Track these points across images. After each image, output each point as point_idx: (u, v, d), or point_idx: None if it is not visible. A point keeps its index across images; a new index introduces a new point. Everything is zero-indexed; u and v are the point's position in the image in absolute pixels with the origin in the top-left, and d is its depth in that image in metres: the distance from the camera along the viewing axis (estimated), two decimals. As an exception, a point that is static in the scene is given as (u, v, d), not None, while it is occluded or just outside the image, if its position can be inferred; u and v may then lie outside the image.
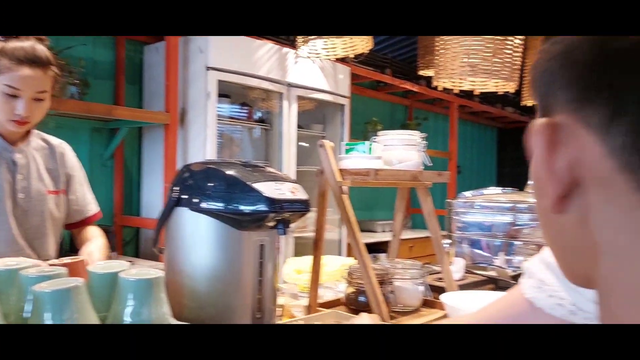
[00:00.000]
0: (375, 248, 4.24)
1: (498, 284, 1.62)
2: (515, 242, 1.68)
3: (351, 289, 1.25)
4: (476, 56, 2.89)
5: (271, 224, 0.95)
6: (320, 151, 1.22)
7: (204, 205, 0.96)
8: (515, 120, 6.07)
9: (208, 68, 2.83)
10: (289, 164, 3.27)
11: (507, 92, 4.76)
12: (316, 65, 3.41)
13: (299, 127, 3.47)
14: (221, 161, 1.05)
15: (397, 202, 1.46)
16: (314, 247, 1.24)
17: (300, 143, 3.49)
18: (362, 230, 4.49)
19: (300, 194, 0.95)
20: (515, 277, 1.87)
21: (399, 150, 1.29)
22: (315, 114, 3.74)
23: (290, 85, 3.27)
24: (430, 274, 1.56)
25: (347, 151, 1.26)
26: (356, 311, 1.24)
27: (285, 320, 1.15)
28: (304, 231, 3.47)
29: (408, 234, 4.32)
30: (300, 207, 0.93)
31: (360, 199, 4.66)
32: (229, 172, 0.96)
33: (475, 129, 6.29)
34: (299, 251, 3.33)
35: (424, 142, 1.31)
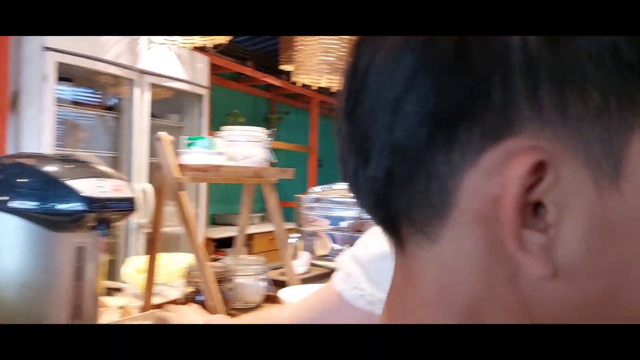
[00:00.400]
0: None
1: (341, 275, 1.71)
2: (358, 235, 1.78)
3: (190, 288, 1.21)
4: (333, 55, 2.99)
5: (92, 224, 0.87)
6: (157, 145, 1.16)
7: (13, 204, 0.85)
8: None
9: (45, 48, 2.55)
10: (140, 155, 3.09)
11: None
12: (172, 53, 3.26)
13: (154, 116, 3.29)
14: (38, 155, 0.95)
15: (243, 197, 1.45)
16: (149, 245, 1.18)
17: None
18: (223, 224, 4.43)
19: (125, 191, 0.89)
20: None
21: (243, 147, 1.28)
22: (172, 104, 3.58)
23: (142, 72, 3.08)
24: (275, 269, 1.57)
25: (188, 146, 1.21)
26: (196, 311, 1.20)
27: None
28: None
29: (270, 227, 4.35)
30: (123, 206, 0.87)
31: (221, 192, 4.58)
32: (44, 167, 0.86)
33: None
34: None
35: (269, 138, 1.31)
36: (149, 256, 1.19)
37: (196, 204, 3.53)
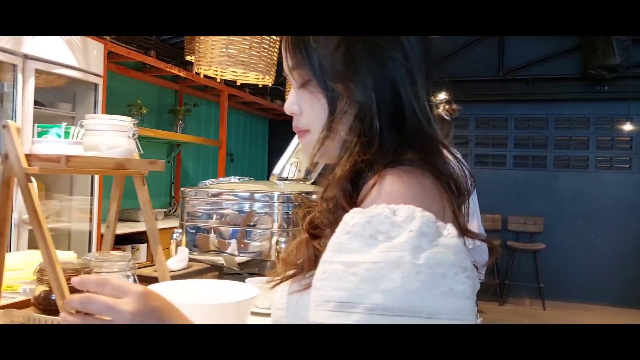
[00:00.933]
0: (137, 238, 4.04)
1: (223, 270, 1.67)
2: (250, 230, 1.75)
3: (42, 288, 1.13)
4: (235, 48, 2.93)
5: None
6: (4, 133, 1.06)
7: None
8: (283, 112, 6.42)
9: None
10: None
11: (276, 86, 5.01)
12: (59, 38, 3.04)
13: (41, 105, 3.07)
14: None
15: (112, 191, 1.38)
16: (-6, 242, 1.08)
17: (42, 123, 3.08)
18: (124, 220, 4.23)
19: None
20: (243, 264, 1.96)
21: (107, 136, 1.21)
22: (64, 92, 3.36)
23: (27, 57, 2.85)
24: (150, 266, 1.51)
25: (40, 134, 1.12)
26: (49, 311, 1.12)
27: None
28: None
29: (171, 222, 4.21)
30: None
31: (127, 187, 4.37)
32: None
33: (247, 118, 6.47)
34: (35, 245, 2.94)
35: (135, 128, 1.25)
36: (-7, 254, 1.09)
37: (90, 199, 3.34)
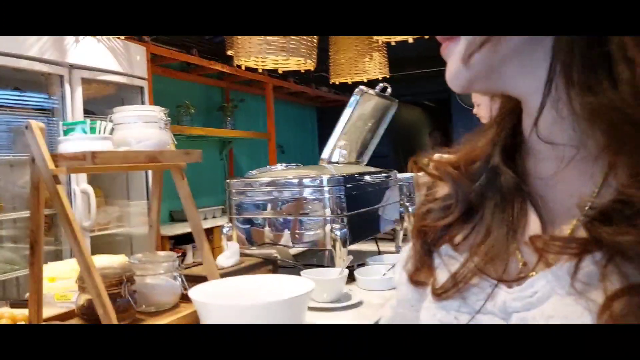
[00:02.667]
0: (197, 238, 4.05)
1: (277, 264, 1.57)
2: (302, 218, 1.63)
3: (85, 297, 1.06)
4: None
5: None
6: (27, 134, 1.00)
7: None
8: (331, 99, 6.29)
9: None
10: (78, 156, 2.89)
11: (321, 73, 4.88)
12: (102, 45, 3.05)
13: (92, 113, 3.10)
14: None
15: (152, 188, 1.30)
16: (30, 252, 1.02)
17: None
18: (183, 220, 4.26)
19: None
20: (299, 256, 1.85)
21: (136, 129, 1.12)
22: (112, 100, 3.38)
23: (72, 66, 2.87)
24: (199, 265, 1.43)
25: (66, 132, 1.05)
26: (94, 321, 1.06)
27: None
28: (105, 229, 3.14)
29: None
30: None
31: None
32: None
33: (294, 108, 6.38)
34: (98, 252, 2.98)
35: (167, 118, 1.16)
36: (30, 264, 1.03)
37: (147, 202, 3.36)
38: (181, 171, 1.22)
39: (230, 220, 1.66)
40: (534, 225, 0.41)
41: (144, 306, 1.13)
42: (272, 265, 1.53)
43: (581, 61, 0.34)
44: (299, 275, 1.36)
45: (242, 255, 1.53)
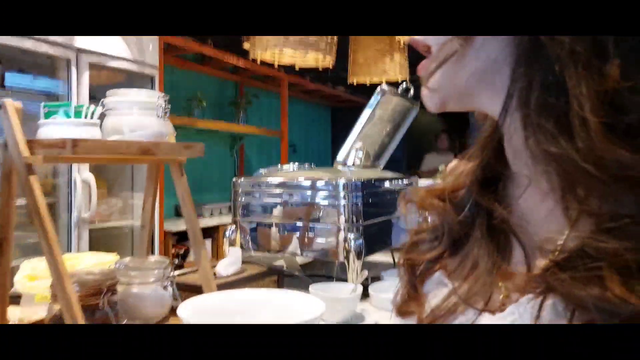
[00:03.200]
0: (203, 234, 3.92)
1: (283, 274, 1.42)
2: (313, 225, 1.48)
3: (57, 306, 0.92)
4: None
5: None
6: (1, 115, 0.85)
7: None
8: (346, 99, 6.13)
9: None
10: (81, 144, 2.76)
11: (337, 72, 4.73)
12: (114, 29, 2.92)
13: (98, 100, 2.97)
14: None
15: (147, 183, 1.15)
16: (-3, 250, 0.88)
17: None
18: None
19: None
20: (307, 266, 1.69)
21: (131, 116, 0.98)
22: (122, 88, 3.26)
23: (80, 50, 2.75)
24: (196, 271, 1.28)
25: (47, 115, 0.91)
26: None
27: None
28: (106, 221, 3.01)
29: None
30: None
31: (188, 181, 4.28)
32: None
33: (309, 107, 6.24)
34: (97, 246, 2.85)
35: (167, 105, 1.01)
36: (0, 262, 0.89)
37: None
38: (180, 167, 1.07)
39: (235, 223, 1.51)
40: (518, 257, 0.39)
41: (126, 320, 0.98)
42: (277, 276, 1.38)
43: (539, 102, 0.32)
44: (307, 287, 1.21)
45: (245, 262, 1.38)
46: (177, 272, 1.22)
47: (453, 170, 0.49)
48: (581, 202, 0.32)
